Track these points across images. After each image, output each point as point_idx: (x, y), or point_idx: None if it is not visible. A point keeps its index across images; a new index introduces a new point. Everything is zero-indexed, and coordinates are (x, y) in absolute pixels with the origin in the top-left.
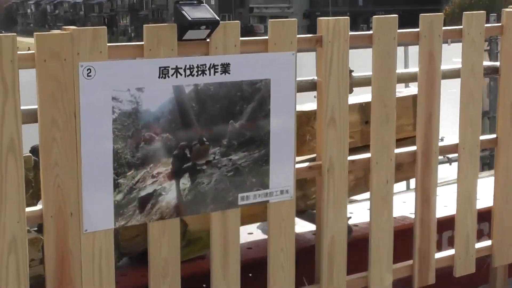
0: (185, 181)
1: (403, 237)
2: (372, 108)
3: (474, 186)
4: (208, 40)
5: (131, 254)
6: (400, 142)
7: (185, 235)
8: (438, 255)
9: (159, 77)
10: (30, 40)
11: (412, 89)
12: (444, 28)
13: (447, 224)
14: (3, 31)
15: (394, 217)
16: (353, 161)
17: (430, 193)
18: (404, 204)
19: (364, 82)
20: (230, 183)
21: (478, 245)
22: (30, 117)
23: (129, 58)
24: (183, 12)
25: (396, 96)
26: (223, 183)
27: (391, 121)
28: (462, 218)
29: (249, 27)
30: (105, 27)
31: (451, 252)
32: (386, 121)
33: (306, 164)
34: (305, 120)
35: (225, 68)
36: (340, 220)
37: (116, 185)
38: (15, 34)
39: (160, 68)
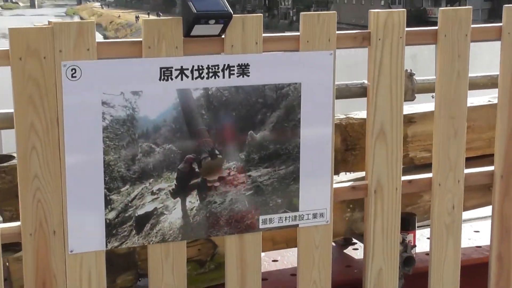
0: (192, 200)
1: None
2: (435, 120)
3: None
4: (223, 36)
5: None
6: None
7: (213, 258)
8: None
9: (160, 79)
10: None
11: None
12: None
13: None
14: (160, 14)
15: (479, 247)
16: (409, 181)
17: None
18: None
19: (428, 87)
20: (249, 203)
21: None
22: (5, 122)
23: (124, 57)
24: (189, 2)
25: (491, 102)
26: (240, 203)
27: (459, 135)
28: None
29: (421, 10)
30: (93, 20)
31: None
32: (453, 135)
33: (347, 184)
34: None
35: (243, 70)
36: (390, 249)
37: (108, 202)
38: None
39: (161, 68)
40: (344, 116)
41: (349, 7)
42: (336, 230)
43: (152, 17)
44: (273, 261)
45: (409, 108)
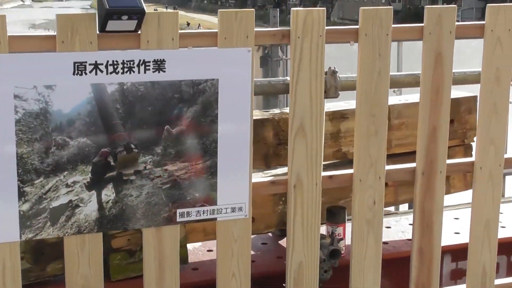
0: (108, 193)
1: None
2: (356, 118)
3: (494, 211)
4: (139, 32)
5: None
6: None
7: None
8: None
9: (74, 74)
10: (203, 17)
11: None
12: (458, 23)
13: None
14: (176, 7)
15: (410, 240)
16: (330, 177)
17: (433, 218)
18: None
19: (351, 85)
20: (166, 197)
21: (502, 281)
22: None
23: (38, 51)
24: None
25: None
26: (157, 196)
27: (380, 133)
28: (476, 248)
29: (420, 8)
30: (4, 14)
31: (460, 287)
32: (374, 133)
33: (267, 179)
34: None
35: (159, 65)
36: (310, 243)
37: (22, 194)
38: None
39: (75, 63)
40: (279, 111)
41: (353, 3)
42: (268, 222)
43: (169, 10)
44: (208, 251)
45: (343, 104)
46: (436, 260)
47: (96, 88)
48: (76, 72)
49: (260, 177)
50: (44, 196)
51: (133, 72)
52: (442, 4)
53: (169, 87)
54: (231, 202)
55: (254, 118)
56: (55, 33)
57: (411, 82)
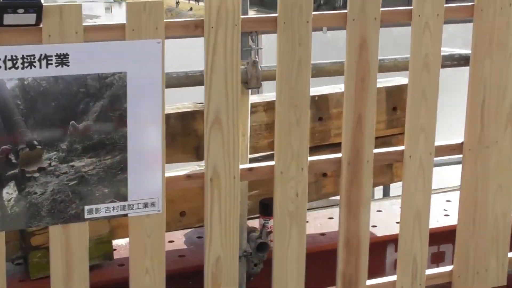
0: (10, 191)
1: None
2: (277, 108)
3: (425, 201)
4: (41, 26)
5: None
6: None
7: None
8: (373, 281)
9: None
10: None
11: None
12: (383, 9)
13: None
14: None
15: None
16: (249, 169)
17: (360, 208)
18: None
19: (274, 75)
20: (73, 193)
21: (433, 271)
22: None
23: None
24: None
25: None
26: (63, 193)
27: (302, 123)
28: (407, 239)
29: None
30: None
31: (391, 278)
32: (295, 123)
33: (182, 173)
34: None
35: (62, 60)
36: (229, 237)
37: None
38: None
39: None
40: None
41: None
42: (200, 216)
43: (192, 3)
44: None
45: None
46: (364, 251)
47: None
48: None
49: (196, 170)
50: None
51: (34, 67)
52: None
53: (74, 82)
54: (143, 198)
55: (185, 110)
56: None
57: (338, 70)
